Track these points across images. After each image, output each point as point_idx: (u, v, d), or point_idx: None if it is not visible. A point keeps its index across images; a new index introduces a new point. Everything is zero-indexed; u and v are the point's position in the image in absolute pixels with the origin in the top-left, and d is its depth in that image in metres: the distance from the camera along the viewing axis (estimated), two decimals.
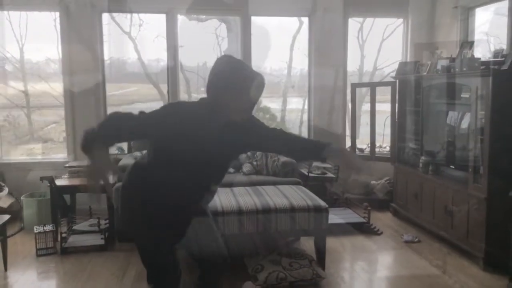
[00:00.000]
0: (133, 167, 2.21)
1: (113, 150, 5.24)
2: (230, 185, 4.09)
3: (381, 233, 4.41)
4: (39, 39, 5.71)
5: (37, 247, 3.85)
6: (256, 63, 6.11)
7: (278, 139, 2.24)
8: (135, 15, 5.46)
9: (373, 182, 5.33)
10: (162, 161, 2.08)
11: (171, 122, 1.99)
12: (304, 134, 5.84)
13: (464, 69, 3.83)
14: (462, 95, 4.04)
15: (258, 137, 2.22)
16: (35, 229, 3.92)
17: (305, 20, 5.64)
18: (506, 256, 3.16)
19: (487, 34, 4.96)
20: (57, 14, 5.03)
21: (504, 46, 4.13)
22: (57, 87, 5.28)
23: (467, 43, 4.41)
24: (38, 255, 3.84)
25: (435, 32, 5.42)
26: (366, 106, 5.74)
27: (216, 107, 2.06)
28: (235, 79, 2.04)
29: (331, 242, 4.02)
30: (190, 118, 2.03)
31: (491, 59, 3.72)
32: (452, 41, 5.00)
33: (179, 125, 1.99)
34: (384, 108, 5.40)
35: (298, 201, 3.48)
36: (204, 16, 5.72)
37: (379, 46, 6.72)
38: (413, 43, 5.48)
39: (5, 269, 3.54)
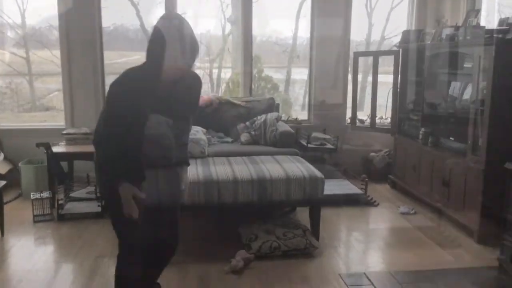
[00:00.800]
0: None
1: None
2: (227, 154, 4.07)
3: (378, 204, 4.39)
4: (41, 4, 5.64)
5: (34, 213, 3.89)
6: (261, 32, 6.00)
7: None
8: None
9: (372, 153, 5.28)
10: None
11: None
12: (307, 104, 5.78)
13: (468, 37, 3.71)
14: (465, 65, 3.94)
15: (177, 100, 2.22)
16: (31, 195, 3.95)
17: None
18: (499, 228, 3.12)
19: (498, 3, 4.79)
20: None
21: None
22: (59, 54, 5.22)
23: (473, 11, 4.26)
24: (35, 221, 3.88)
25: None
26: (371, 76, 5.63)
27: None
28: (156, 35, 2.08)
29: (327, 213, 4.01)
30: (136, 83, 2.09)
31: (496, 28, 3.59)
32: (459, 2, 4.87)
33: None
34: (390, 79, 5.30)
35: (294, 171, 3.46)
36: None
37: (387, 15, 6.54)
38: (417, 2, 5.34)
39: (2, 235, 3.59)
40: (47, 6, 5.33)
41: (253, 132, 4.58)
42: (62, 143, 4.42)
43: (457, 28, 4.10)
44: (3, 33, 5.63)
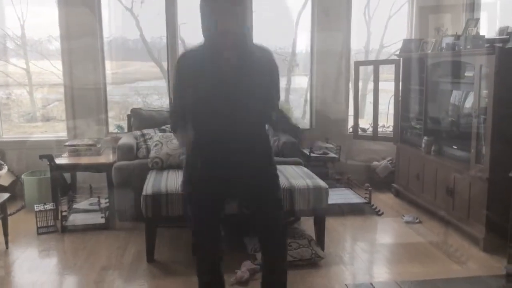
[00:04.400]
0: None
1: (112, 129, 5.25)
2: None
3: (382, 213, 4.40)
4: (40, 15, 5.66)
5: (38, 225, 3.88)
6: (261, 41, 6.02)
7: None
8: None
9: (375, 162, 5.29)
10: (201, 115, 2.18)
11: (188, 74, 2.15)
12: (307, 113, 5.79)
13: (468, 47, 3.74)
14: (466, 74, 3.96)
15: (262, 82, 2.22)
16: (35, 207, 3.94)
17: None
18: (505, 237, 3.13)
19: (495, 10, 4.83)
20: None
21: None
22: (58, 65, 5.24)
23: (473, 20, 4.30)
24: (39, 233, 3.87)
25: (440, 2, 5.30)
26: (372, 85, 5.66)
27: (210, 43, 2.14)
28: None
29: (331, 223, 4.01)
30: (198, 63, 2.14)
31: (496, 37, 3.63)
32: (458, 4, 4.89)
33: (194, 74, 2.13)
34: (390, 87, 5.32)
35: (298, 181, 3.46)
36: None
37: (385, 23, 6.59)
38: (418, 8, 5.36)
39: (6, 247, 3.57)
40: (47, 18, 5.36)
41: None
42: (65, 155, 4.42)
43: (457, 37, 4.13)
44: (3, 44, 5.63)
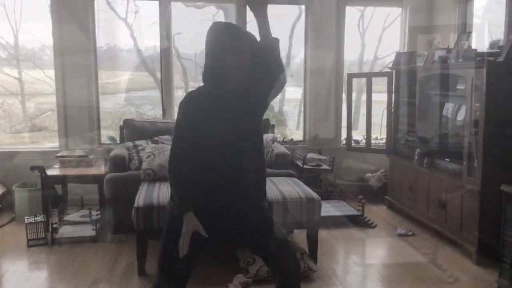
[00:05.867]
0: None
1: (105, 140, 5.23)
2: None
3: (375, 226, 4.39)
4: (34, 25, 5.65)
5: (28, 238, 3.84)
6: None
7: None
8: (130, 1, 5.39)
9: (368, 174, 5.30)
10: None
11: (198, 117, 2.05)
12: (301, 124, 5.80)
13: (460, 60, 3.77)
14: (458, 87, 3.99)
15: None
16: (25, 219, 3.90)
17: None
18: (497, 250, 3.13)
19: (488, 23, 4.87)
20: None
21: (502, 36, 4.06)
22: (52, 74, 5.22)
23: (464, 34, 4.34)
24: (29, 246, 3.82)
25: (432, 18, 5.34)
26: (366, 96, 5.68)
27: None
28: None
29: (324, 235, 4.00)
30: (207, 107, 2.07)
31: (487, 51, 3.66)
32: (450, 25, 4.93)
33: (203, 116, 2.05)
34: (384, 98, 5.34)
35: (290, 193, 3.45)
36: (201, 3, 5.63)
37: (380, 35, 6.63)
38: (409, 28, 5.41)
39: None
40: (40, 26, 5.35)
41: None
42: (56, 166, 4.39)
43: (449, 50, 4.17)
44: None
